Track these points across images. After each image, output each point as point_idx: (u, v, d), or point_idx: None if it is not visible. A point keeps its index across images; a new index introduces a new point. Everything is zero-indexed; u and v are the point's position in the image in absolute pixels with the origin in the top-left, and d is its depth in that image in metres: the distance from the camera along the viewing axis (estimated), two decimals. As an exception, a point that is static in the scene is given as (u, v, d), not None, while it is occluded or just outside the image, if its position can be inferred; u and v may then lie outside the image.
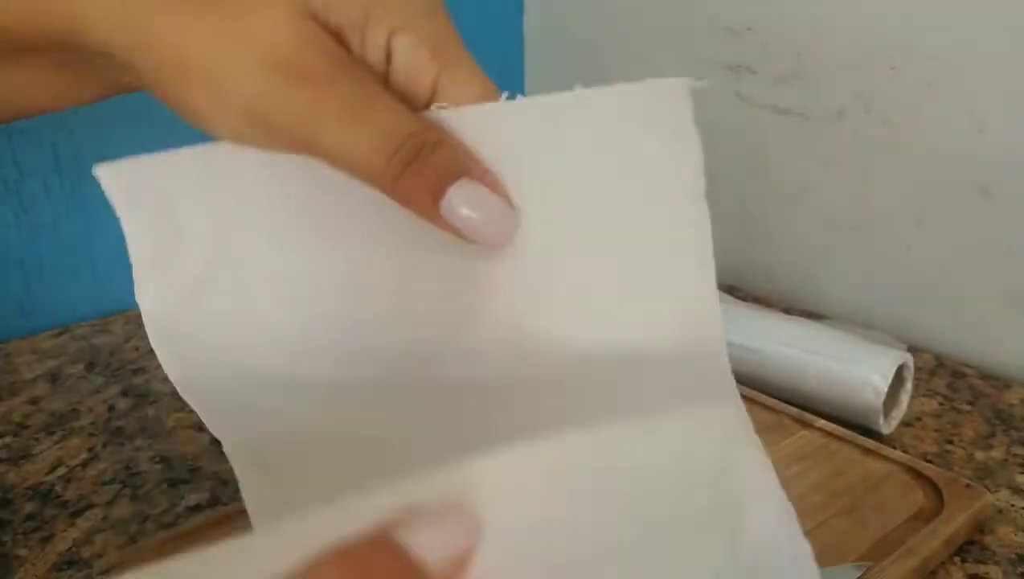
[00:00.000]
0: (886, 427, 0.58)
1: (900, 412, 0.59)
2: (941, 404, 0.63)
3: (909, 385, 0.59)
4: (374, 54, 0.28)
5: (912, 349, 0.65)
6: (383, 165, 0.26)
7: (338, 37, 0.27)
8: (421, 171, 0.26)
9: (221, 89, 0.26)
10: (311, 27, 0.26)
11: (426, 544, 0.19)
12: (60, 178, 0.70)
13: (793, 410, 0.58)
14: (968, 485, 0.51)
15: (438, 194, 0.26)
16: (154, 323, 0.34)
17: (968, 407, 0.62)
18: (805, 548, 0.27)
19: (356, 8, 0.27)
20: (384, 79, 0.28)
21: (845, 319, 0.73)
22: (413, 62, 0.28)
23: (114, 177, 0.32)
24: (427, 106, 0.28)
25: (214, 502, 0.52)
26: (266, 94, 0.26)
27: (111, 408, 0.62)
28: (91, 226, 0.72)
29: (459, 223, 0.26)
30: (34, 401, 0.63)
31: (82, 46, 0.29)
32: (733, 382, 0.30)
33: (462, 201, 0.26)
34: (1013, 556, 0.48)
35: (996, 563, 0.48)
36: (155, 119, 0.75)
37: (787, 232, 0.78)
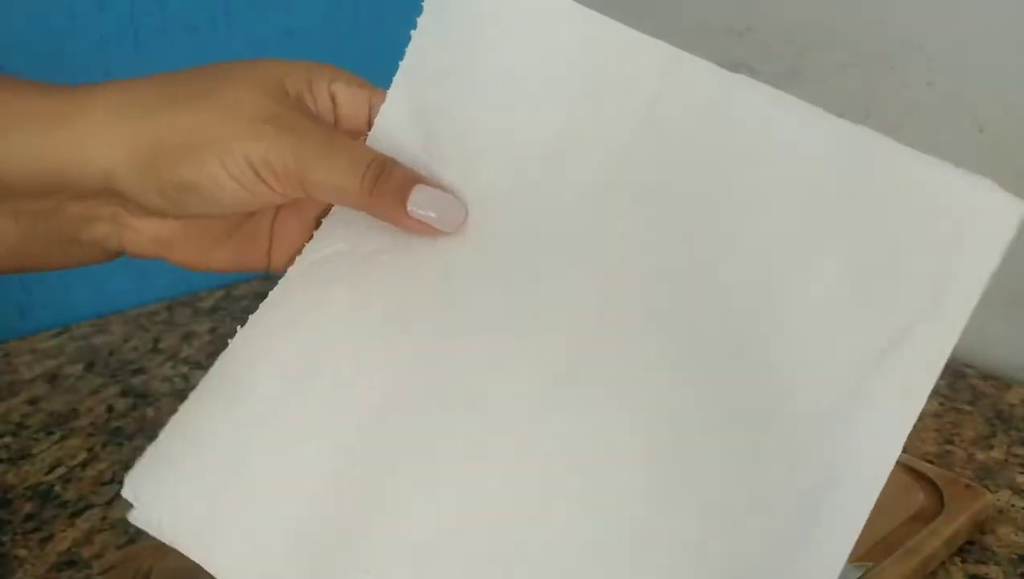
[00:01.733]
0: (886, 427, 0.57)
1: (900, 412, 0.59)
2: (942, 404, 0.63)
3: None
4: (323, 104, 0.36)
5: (912, 349, 0.65)
6: (358, 186, 0.33)
7: (297, 101, 0.35)
8: (387, 185, 0.34)
9: (228, 150, 0.33)
10: (281, 95, 0.34)
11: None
12: (60, 178, 0.70)
13: (793, 410, 0.58)
14: (968, 485, 0.51)
15: (404, 200, 0.34)
16: None
17: (969, 407, 0.62)
18: None
19: (302, 77, 0.35)
20: (335, 121, 0.37)
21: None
22: (352, 96, 0.37)
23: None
24: (369, 124, 0.37)
25: (213, 502, 0.52)
26: (265, 143, 0.33)
27: (110, 408, 0.62)
28: (91, 226, 0.72)
29: (424, 219, 0.34)
30: (33, 401, 0.63)
31: (77, 182, 0.33)
32: None
33: (422, 201, 0.34)
34: (1013, 556, 0.48)
35: (996, 563, 0.48)
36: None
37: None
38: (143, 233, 0.37)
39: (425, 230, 0.35)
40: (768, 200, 0.32)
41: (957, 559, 0.48)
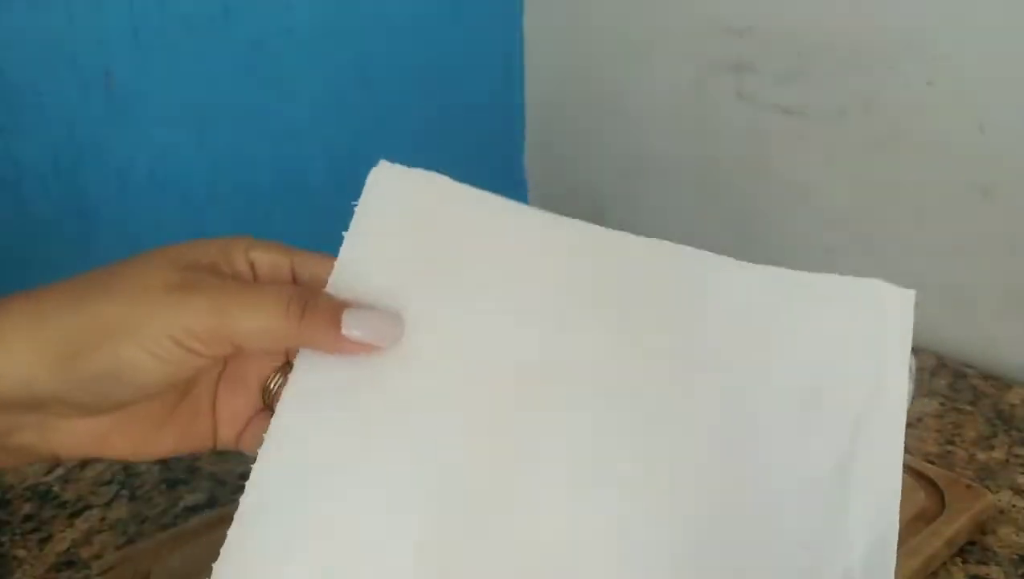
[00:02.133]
0: (887, 427, 0.57)
1: (901, 412, 0.59)
2: (942, 404, 0.63)
3: (910, 385, 0.59)
4: (241, 269, 0.36)
5: (913, 349, 0.65)
6: (286, 319, 0.32)
7: (211, 268, 0.34)
8: (316, 312, 0.33)
9: (143, 329, 0.32)
10: (192, 266, 0.34)
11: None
12: (59, 178, 0.70)
13: (794, 410, 0.58)
14: (969, 486, 0.51)
15: (336, 323, 0.33)
16: None
17: (969, 407, 0.62)
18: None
19: (216, 249, 0.35)
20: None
21: (846, 319, 0.73)
22: (272, 261, 0.36)
23: None
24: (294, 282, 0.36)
25: (212, 502, 0.52)
26: (180, 310, 0.32)
27: (110, 408, 0.62)
28: (90, 226, 0.72)
29: (362, 338, 0.33)
30: (33, 401, 0.63)
31: None
32: None
33: (355, 322, 0.33)
34: (1015, 557, 0.48)
35: (997, 564, 0.48)
36: (152, 118, 0.75)
37: (787, 232, 0.78)
38: (74, 434, 0.34)
39: (364, 349, 0.34)
40: (718, 347, 0.36)
41: (958, 559, 0.48)
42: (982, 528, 0.50)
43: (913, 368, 0.59)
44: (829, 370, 0.36)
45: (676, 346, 0.36)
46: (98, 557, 0.48)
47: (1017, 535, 0.50)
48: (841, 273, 0.38)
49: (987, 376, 0.66)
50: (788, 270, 0.37)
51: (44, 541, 0.49)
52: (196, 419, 0.37)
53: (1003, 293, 0.68)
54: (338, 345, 0.33)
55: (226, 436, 0.37)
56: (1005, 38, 0.63)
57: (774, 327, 0.37)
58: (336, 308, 0.33)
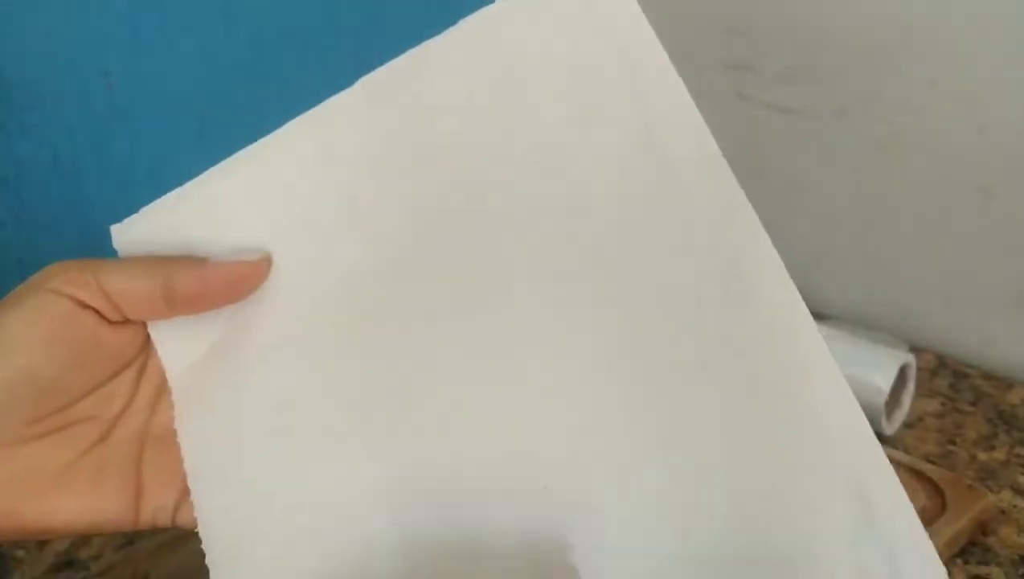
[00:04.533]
0: (888, 428, 0.57)
1: (902, 413, 0.59)
2: (943, 404, 0.62)
3: (911, 385, 0.59)
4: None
5: (914, 349, 0.65)
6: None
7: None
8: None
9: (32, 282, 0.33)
10: None
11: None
12: (59, 177, 0.70)
13: (794, 410, 0.58)
14: (970, 486, 0.51)
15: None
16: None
17: (970, 408, 0.62)
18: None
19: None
20: None
21: (845, 319, 0.73)
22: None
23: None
24: None
25: (212, 503, 0.52)
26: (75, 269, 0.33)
27: (109, 409, 0.61)
28: (90, 226, 0.72)
29: (231, 258, 0.34)
30: (32, 401, 0.62)
31: None
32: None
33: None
34: (1015, 557, 0.48)
35: (998, 564, 0.48)
36: (152, 118, 0.74)
37: (787, 231, 0.78)
38: None
39: (243, 269, 0.35)
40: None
41: (959, 560, 0.48)
42: (983, 529, 0.50)
43: (913, 367, 0.59)
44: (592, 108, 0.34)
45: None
46: (97, 558, 0.48)
47: (1018, 535, 0.50)
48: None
49: (988, 376, 0.66)
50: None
51: (43, 542, 0.49)
52: (105, 476, 0.30)
53: (1004, 293, 0.67)
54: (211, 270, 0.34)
55: (157, 504, 0.31)
56: (1007, 37, 0.63)
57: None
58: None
